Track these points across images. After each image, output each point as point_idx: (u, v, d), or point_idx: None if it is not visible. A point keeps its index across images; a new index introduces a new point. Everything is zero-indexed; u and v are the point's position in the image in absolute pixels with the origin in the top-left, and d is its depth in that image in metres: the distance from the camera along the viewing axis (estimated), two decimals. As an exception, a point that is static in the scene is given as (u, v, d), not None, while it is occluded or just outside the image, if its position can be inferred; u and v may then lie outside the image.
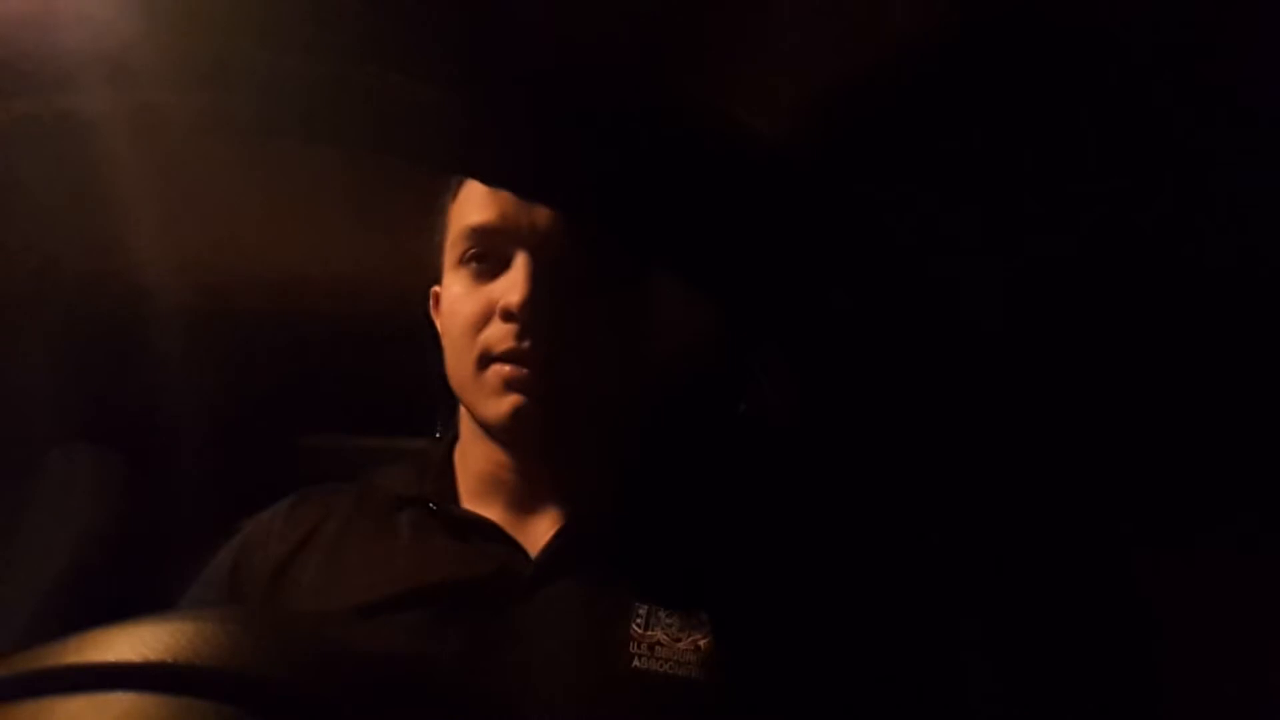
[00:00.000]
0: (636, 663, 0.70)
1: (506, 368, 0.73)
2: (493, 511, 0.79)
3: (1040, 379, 0.47)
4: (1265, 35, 0.41)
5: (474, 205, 0.75)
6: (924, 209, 0.48)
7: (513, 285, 0.72)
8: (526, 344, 0.72)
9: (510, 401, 0.73)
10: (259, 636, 0.38)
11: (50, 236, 0.95)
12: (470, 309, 0.75)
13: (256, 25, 0.39)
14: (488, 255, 0.75)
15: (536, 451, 0.78)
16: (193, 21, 0.39)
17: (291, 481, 0.91)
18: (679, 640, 0.70)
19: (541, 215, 0.73)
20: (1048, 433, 0.46)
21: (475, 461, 0.81)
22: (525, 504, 0.79)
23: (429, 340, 0.81)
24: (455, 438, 0.85)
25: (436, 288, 0.82)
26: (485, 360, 0.74)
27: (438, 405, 0.85)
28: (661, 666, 0.70)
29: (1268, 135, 0.43)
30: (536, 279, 0.72)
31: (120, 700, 0.35)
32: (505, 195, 0.74)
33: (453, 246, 0.78)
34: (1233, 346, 0.48)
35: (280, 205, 0.99)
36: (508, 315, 0.72)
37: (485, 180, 0.72)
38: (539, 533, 0.77)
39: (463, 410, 0.82)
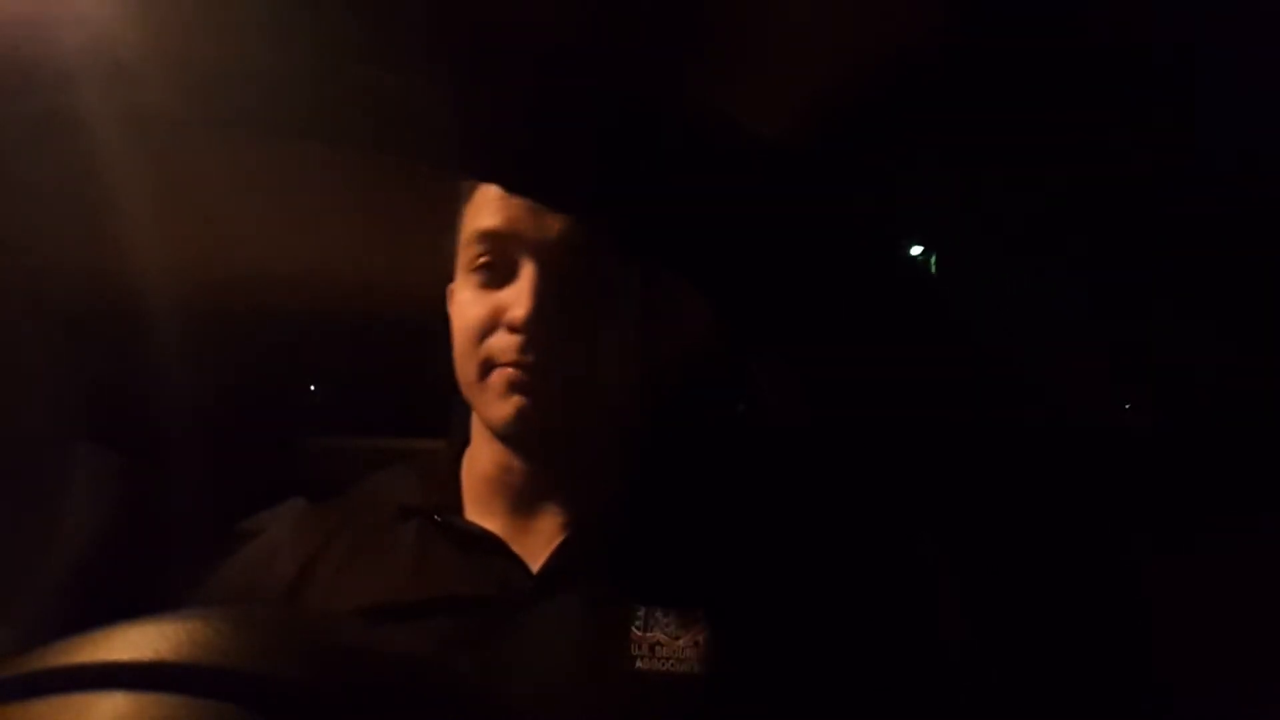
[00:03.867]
0: (639, 664, 0.70)
1: (510, 370, 0.73)
2: (496, 518, 0.80)
3: (1039, 379, 0.47)
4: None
5: (484, 210, 0.76)
6: (923, 209, 0.48)
7: (519, 297, 0.73)
8: (530, 357, 0.72)
9: (514, 404, 0.73)
10: (259, 636, 0.38)
11: (50, 236, 0.95)
12: (477, 315, 0.75)
13: (256, 25, 0.39)
14: (496, 261, 0.75)
15: (541, 454, 0.79)
16: (193, 21, 0.39)
17: (292, 481, 0.91)
18: (678, 638, 0.71)
19: (550, 223, 0.73)
20: (1047, 432, 0.46)
21: (482, 465, 0.82)
22: (528, 509, 0.80)
23: (444, 337, 0.82)
24: (466, 442, 0.85)
25: (452, 285, 0.82)
26: (489, 366, 0.74)
27: (445, 405, 0.85)
28: (663, 665, 0.70)
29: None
30: (542, 290, 0.72)
31: (121, 700, 0.34)
32: (515, 201, 0.74)
33: (464, 250, 0.78)
34: (1234, 346, 0.48)
35: (281, 204, 0.99)
36: (513, 328, 0.72)
37: (484, 179, 0.72)
38: (540, 542, 0.78)
39: (474, 414, 0.82)
